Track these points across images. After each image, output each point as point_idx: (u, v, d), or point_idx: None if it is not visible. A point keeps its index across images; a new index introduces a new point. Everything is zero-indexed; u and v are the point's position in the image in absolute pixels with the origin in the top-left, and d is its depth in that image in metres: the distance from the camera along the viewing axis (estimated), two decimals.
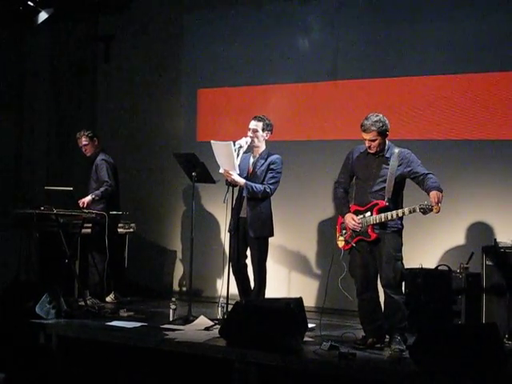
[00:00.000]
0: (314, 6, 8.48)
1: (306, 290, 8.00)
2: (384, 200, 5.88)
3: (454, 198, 7.06)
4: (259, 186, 6.82)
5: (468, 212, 7.45)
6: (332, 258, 6.10)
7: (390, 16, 7.99)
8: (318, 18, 8.47)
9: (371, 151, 6.01)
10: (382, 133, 5.92)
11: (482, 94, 7.54)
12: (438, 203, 5.59)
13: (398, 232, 5.98)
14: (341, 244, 6.16)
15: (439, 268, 7.02)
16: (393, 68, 7.99)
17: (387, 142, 6.04)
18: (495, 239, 6.66)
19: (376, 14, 8.09)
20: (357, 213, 6.03)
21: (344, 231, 6.13)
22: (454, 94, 7.68)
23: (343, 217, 6.13)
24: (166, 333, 6.28)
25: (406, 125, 7.78)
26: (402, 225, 6.00)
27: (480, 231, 7.37)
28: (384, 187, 5.91)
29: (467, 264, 6.80)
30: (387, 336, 6.04)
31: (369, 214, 5.94)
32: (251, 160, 7.03)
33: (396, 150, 5.98)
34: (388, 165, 5.94)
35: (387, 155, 5.99)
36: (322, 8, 8.44)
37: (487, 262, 6.57)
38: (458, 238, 7.48)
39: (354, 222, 6.00)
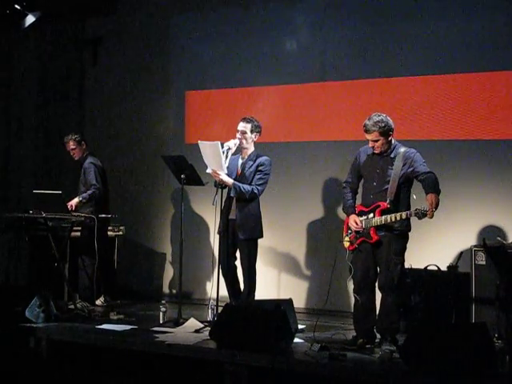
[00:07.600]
0: (301, 7, 8.49)
1: (295, 291, 8.01)
2: (386, 202, 5.88)
3: (444, 198, 7.07)
4: (247, 187, 6.82)
5: (457, 212, 7.45)
6: (335, 259, 6.12)
7: (378, 16, 7.99)
8: (306, 20, 8.46)
9: (375, 151, 6.00)
10: (385, 133, 5.90)
11: (469, 94, 7.54)
12: (432, 208, 5.56)
13: (403, 234, 5.95)
14: (346, 244, 6.16)
15: (428, 268, 7.02)
16: (381, 69, 7.98)
17: (393, 141, 6.02)
18: (484, 239, 6.67)
19: (363, 14, 8.09)
20: (361, 214, 6.03)
21: (349, 231, 6.13)
22: (442, 94, 7.67)
23: (348, 217, 6.14)
24: (156, 335, 6.27)
25: (395, 125, 7.76)
26: (408, 226, 5.97)
27: (469, 231, 7.38)
28: (388, 188, 5.91)
29: (456, 264, 6.81)
30: (378, 336, 6.06)
31: (371, 215, 5.94)
32: (240, 162, 7.03)
33: (401, 150, 5.95)
34: (393, 165, 5.92)
35: (392, 155, 5.96)
36: (310, 9, 8.44)
37: (476, 262, 6.58)
38: (447, 238, 7.47)
39: (355, 224, 6.01)
